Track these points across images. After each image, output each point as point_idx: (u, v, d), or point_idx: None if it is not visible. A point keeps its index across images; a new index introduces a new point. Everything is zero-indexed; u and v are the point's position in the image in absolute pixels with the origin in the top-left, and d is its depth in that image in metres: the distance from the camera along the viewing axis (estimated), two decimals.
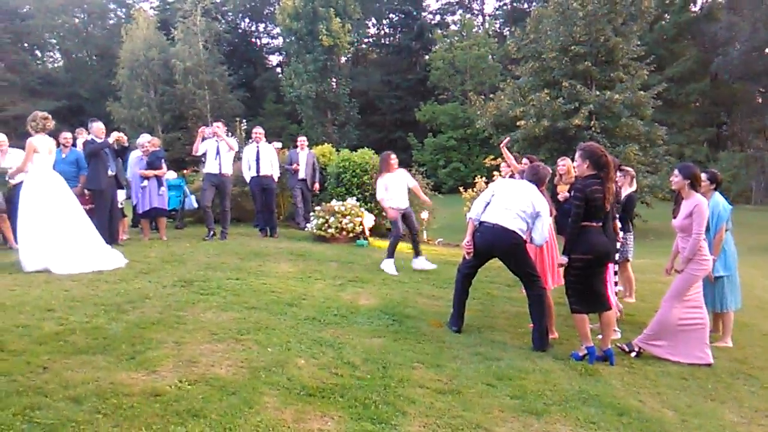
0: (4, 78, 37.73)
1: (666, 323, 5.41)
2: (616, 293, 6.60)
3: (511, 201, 5.51)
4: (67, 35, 44.20)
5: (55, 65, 45.79)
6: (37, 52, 45.01)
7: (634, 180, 7.60)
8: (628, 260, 7.59)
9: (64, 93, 40.68)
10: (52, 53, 46.56)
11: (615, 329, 5.67)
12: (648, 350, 5.44)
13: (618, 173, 6.92)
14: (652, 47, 25.39)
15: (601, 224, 5.13)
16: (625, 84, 20.80)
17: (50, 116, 7.78)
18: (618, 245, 6.51)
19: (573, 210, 5.02)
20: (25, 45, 42.60)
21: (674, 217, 5.56)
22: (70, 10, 44.77)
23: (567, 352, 5.32)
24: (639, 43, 22.23)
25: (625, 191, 7.29)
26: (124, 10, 45.81)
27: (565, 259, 5.14)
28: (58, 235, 7.13)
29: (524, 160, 10.11)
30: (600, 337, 5.32)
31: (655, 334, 5.43)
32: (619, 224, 6.43)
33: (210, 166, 10.35)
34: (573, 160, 5.86)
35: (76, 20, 45.60)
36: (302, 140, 12.82)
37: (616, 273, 6.44)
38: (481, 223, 5.58)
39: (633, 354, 5.40)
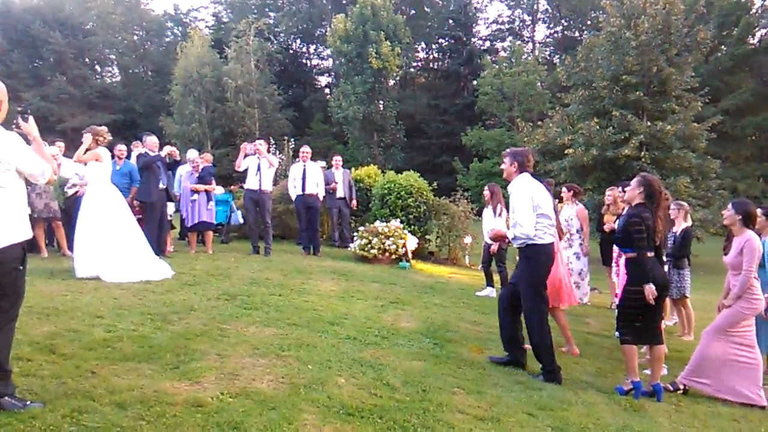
0: (65, 91, 39.15)
1: (706, 358, 5.25)
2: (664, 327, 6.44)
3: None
4: (126, 51, 45.70)
5: (113, 80, 47.34)
6: (97, 67, 46.61)
7: (689, 215, 7.43)
8: (686, 296, 7.40)
9: (120, 107, 41.97)
10: (110, 68, 48.20)
11: (662, 365, 5.52)
12: (693, 387, 5.27)
13: (672, 206, 6.81)
14: (707, 79, 24.92)
15: (654, 255, 5.03)
16: (678, 115, 20.40)
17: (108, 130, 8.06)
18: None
19: (635, 237, 4.92)
20: (86, 60, 44.15)
21: (725, 254, 5.43)
22: (130, 27, 46.33)
23: (611, 385, 5.19)
24: (693, 74, 21.80)
25: (680, 226, 7.14)
26: (180, 28, 47.20)
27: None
28: (111, 244, 7.34)
29: (563, 189, 10.07)
30: (647, 371, 5.18)
31: (697, 370, 5.28)
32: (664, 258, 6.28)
33: (250, 182, 10.54)
34: (623, 190, 5.79)
35: (135, 37, 47.18)
36: (337, 159, 13.03)
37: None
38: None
39: (679, 392, 5.24)
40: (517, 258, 5.47)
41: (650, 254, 4.97)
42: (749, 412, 4.97)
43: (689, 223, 7.44)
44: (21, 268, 3.52)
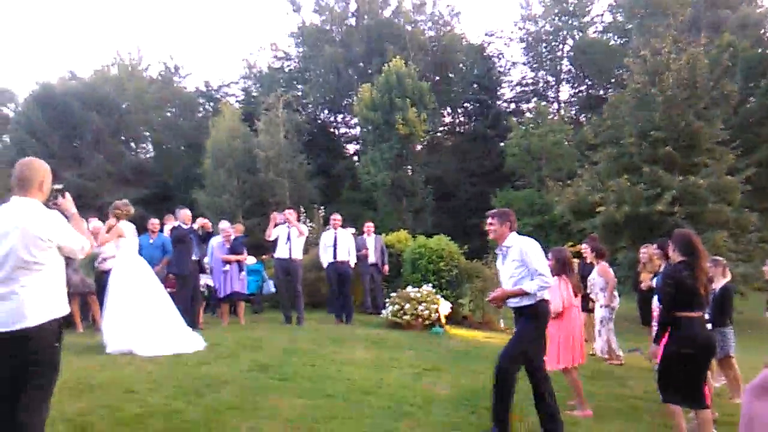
0: (102, 168, 40.33)
1: (753, 418, 4.96)
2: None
3: None
4: (159, 128, 47.11)
5: (147, 156, 48.70)
6: (132, 144, 48.08)
7: (727, 270, 7.22)
8: (731, 356, 7.11)
9: (153, 182, 43.02)
10: (144, 145, 49.63)
11: (713, 430, 5.25)
12: None
13: (708, 263, 6.63)
14: (737, 131, 24.67)
15: (701, 314, 4.87)
16: (710, 169, 20.17)
17: (130, 203, 8.22)
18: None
19: (663, 296, 4.82)
20: (122, 137, 45.64)
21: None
22: (164, 104, 47.94)
23: None
24: (723, 126, 21.67)
25: (719, 283, 6.94)
26: (212, 103, 48.66)
27: (655, 347, 4.91)
28: (143, 317, 7.37)
29: (583, 245, 9.98)
30: None
31: None
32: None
33: (280, 251, 10.59)
34: (659, 247, 5.67)
35: (168, 114, 48.72)
36: (369, 226, 13.07)
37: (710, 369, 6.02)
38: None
39: None
40: (518, 317, 5.26)
41: (694, 314, 4.80)
42: None
43: (728, 278, 7.22)
44: (57, 344, 3.54)
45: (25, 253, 3.41)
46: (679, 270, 4.85)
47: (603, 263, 9.18)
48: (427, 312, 10.59)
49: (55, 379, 3.58)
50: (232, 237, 10.72)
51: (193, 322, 8.96)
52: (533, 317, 5.09)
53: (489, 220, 5.38)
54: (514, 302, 5.13)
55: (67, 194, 3.90)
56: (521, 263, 5.08)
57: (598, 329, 9.05)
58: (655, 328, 7.71)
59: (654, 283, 7.33)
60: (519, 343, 5.10)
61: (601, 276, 8.96)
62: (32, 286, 3.46)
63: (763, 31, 34.73)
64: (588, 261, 9.65)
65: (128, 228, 7.92)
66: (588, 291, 9.01)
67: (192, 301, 9.50)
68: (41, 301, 3.47)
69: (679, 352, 4.76)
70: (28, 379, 3.44)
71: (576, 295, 6.28)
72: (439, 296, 11.01)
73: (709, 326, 5.93)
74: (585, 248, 9.84)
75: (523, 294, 5.03)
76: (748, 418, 5.00)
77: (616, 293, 9.14)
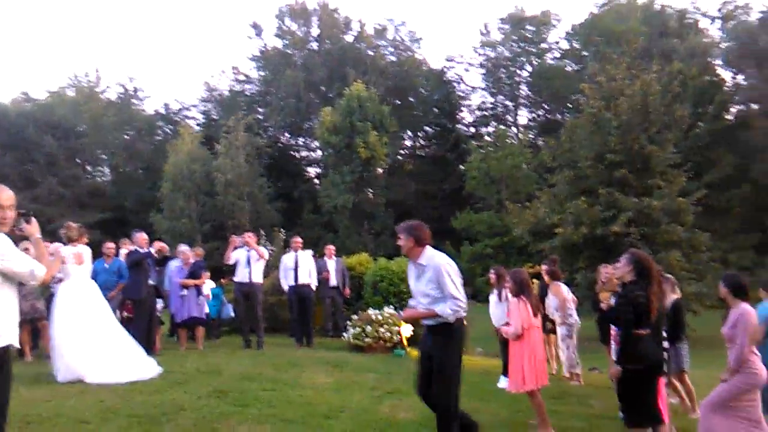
0: (56, 192, 39.37)
1: None
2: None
3: None
4: (117, 151, 46.36)
5: (103, 179, 47.78)
6: (88, 167, 47.14)
7: (676, 287, 7.38)
8: (684, 371, 7.23)
9: (110, 205, 42.17)
10: (101, 168, 48.71)
11: None
12: None
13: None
14: (688, 154, 25.44)
15: (650, 332, 4.95)
16: (663, 191, 20.70)
17: (83, 227, 8.02)
18: (666, 356, 6.25)
19: (621, 317, 4.89)
20: (77, 161, 44.71)
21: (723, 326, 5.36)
22: (122, 127, 47.19)
23: None
24: (674, 150, 22.31)
25: (669, 299, 7.07)
26: (171, 126, 48.11)
27: (617, 369, 4.95)
28: (93, 343, 7.14)
29: (543, 267, 10.12)
30: None
31: None
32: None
33: (240, 275, 10.47)
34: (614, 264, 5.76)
35: (126, 137, 47.95)
36: (330, 248, 13.00)
37: (666, 384, 6.11)
38: None
39: None
40: (429, 336, 4.96)
41: (644, 332, 4.89)
42: None
43: (678, 295, 7.37)
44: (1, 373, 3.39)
45: None
46: (632, 290, 4.94)
47: (556, 283, 9.27)
48: (388, 334, 10.55)
49: (4, 412, 3.44)
50: (191, 261, 10.54)
51: (149, 348, 8.74)
52: (448, 337, 4.82)
53: (399, 234, 5.03)
54: (429, 321, 4.89)
55: (33, 219, 3.81)
56: (436, 284, 4.79)
57: (561, 348, 9.10)
58: (613, 347, 7.82)
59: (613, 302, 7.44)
60: (449, 378, 4.76)
61: (554, 296, 9.06)
62: None
63: (709, 59, 36.05)
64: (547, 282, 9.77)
65: (85, 251, 7.72)
66: (546, 312, 9.09)
67: (149, 326, 9.27)
68: None
69: (632, 369, 4.84)
70: None
71: (536, 316, 6.32)
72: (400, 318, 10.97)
73: (665, 343, 6.03)
74: (545, 269, 9.96)
75: (436, 316, 4.78)
76: None
77: (573, 312, 9.22)
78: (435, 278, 4.78)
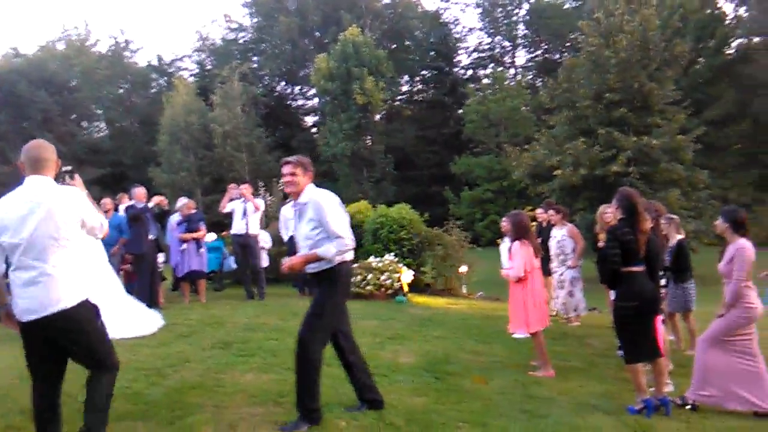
0: (55, 149, 39.20)
1: (708, 368, 5.14)
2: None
3: None
4: (112, 105, 45.92)
5: (100, 134, 47.47)
6: (84, 123, 46.76)
7: (680, 227, 7.39)
8: (690, 310, 7.32)
9: (108, 161, 41.99)
10: (97, 123, 48.35)
11: (667, 382, 5.41)
12: (701, 402, 5.15)
13: (662, 221, 6.77)
14: (688, 91, 25.19)
15: (644, 269, 5.00)
16: (663, 129, 20.57)
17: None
18: (663, 293, 6.31)
19: (608, 253, 4.96)
20: (73, 116, 44.31)
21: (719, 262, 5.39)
22: (115, 81, 46.63)
23: (618, 406, 5.07)
24: (674, 87, 22.08)
25: (674, 239, 7.10)
26: (165, 78, 47.53)
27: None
28: (95, 301, 7.20)
29: (538, 210, 10.16)
30: (652, 389, 5.09)
31: (701, 382, 5.16)
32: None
33: (237, 227, 10.51)
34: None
35: (120, 90, 47.45)
36: None
37: (663, 322, 6.18)
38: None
39: (688, 407, 5.13)
40: (316, 285, 4.56)
41: (636, 269, 4.94)
42: (759, 424, 4.85)
43: (682, 235, 7.39)
44: (98, 321, 3.56)
45: (53, 229, 3.31)
46: (619, 228, 4.99)
47: (572, 225, 9.34)
48: (389, 281, 10.64)
49: (113, 353, 3.64)
50: (187, 214, 10.52)
51: (153, 302, 8.84)
52: (333, 282, 4.38)
53: (289, 169, 4.36)
54: (312, 267, 4.36)
55: (77, 175, 3.83)
56: (318, 223, 4.30)
57: (568, 290, 9.10)
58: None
59: None
60: (320, 316, 4.35)
61: (570, 237, 9.09)
62: (62, 265, 3.37)
63: None
64: (544, 224, 9.82)
65: None
66: (552, 253, 9.17)
67: (151, 279, 9.34)
68: (74, 280, 3.42)
69: (628, 305, 4.92)
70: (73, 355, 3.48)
71: (536, 256, 6.37)
72: (401, 265, 11.06)
73: (663, 280, 6.08)
74: (540, 212, 10.01)
75: (319, 259, 4.29)
76: (702, 368, 5.18)
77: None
78: (316, 217, 4.28)
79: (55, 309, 3.31)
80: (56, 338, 3.39)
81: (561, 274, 9.16)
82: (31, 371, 3.49)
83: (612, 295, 5.57)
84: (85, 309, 3.46)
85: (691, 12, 30.44)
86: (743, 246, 5.10)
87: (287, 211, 11.39)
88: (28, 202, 3.32)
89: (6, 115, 38.88)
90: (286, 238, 11.43)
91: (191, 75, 47.11)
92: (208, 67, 46.89)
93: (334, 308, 4.41)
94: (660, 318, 5.51)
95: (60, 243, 3.34)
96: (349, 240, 4.31)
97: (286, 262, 4.41)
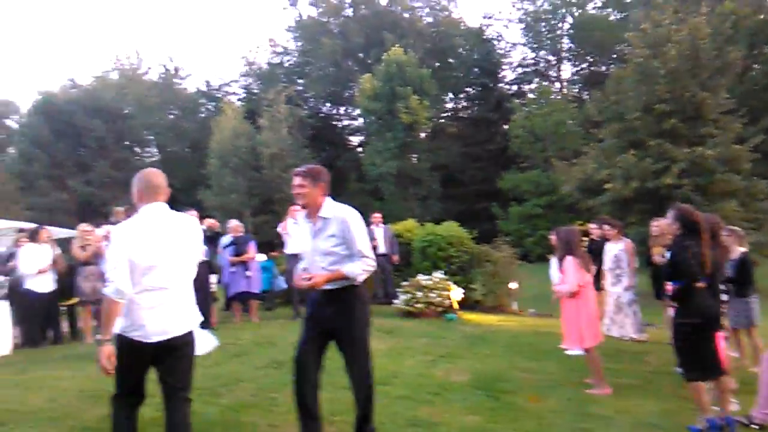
0: (108, 175, 40.45)
1: None
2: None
3: None
4: (162, 131, 47.19)
5: (152, 159, 48.78)
6: (137, 149, 48.14)
7: (743, 239, 7.15)
8: (754, 325, 7.06)
9: None
10: (149, 149, 49.69)
11: (732, 400, 5.21)
12: None
13: (723, 233, 6.58)
14: (743, 99, 24.43)
15: (706, 285, 4.85)
16: (717, 139, 20.00)
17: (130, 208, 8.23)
18: (724, 309, 6.11)
19: (683, 267, 4.80)
20: (126, 143, 45.71)
21: None
22: (166, 107, 47.97)
23: (678, 425, 4.91)
24: (728, 96, 21.47)
25: (736, 252, 6.87)
26: (213, 103, 48.61)
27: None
28: None
29: (591, 225, 10.01)
30: (717, 408, 4.91)
31: (766, 401, 4.96)
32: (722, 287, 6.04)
33: (292, 247, 10.59)
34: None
35: (171, 116, 48.76)
36: (377, 216, 13.01)
37: (726, 338, 5.98)
38: None
39: (754, 426, 4.92)
40: (328, 304, 4.26)
41: (700, 284, 4.80)
42: None
43: (745, 248, 7.14)
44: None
45: (184, 253, 3.60)
46: (683, 242, 4.86)
47: (629, 240, 9.19)
48: (439, 299, 10.58)
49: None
50: (230, 237, 10.71)
51: (206, 322, 8.97)
52: (354, 302, 4.22)
53: (298, 180, 4.24)
54: (331, 285, 4.18)
55: None
56: (342, 240, 4.17)
57: (626, 313, 9.00)
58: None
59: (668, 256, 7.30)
60: (366, 349, 4.30)
61: (627, 252, 8.94)
62: (186, 289, 3.65)
63: None
64: (597, 239, 9.68)
65: None
66: (607, 268, 9.03)
67: (204, 301, 9.49)
68: (192, 303, 3.70)
69: (688, 322, 4.77)
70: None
71: (589, 272, 6.26)
72: (450, 282, 10.98)
73: (724, 296, 5.89)
74: (594, 227, 9.87)
75: (344, 278, 4.15)
76: (764, 384, 4.98)
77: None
78: (341, 233, 4.16)
79: (182, 332, 3.55)
80: (165, 361, 3.60)
81: (618, 296, 8.98)
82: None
83: (671, 310, 5.42)
84: (192, 335, 3.69)
85: (743, 18, 29.62)
86: None
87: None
88: (173, 226, 3.59)
89: (64, 144, 40.36)
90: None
91: (238, 99, 48.04)
92: (255, 90, 47.76)
93: (367, 332, 4.33)
94: (722, 334, 5.33)
95: (187, 267, 3.57)
96: (374, 260, 4.24)
97: (306, 278, 4.16)
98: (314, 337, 4.31)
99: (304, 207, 4.33)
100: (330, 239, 4.15)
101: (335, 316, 4.18)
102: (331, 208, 4.23)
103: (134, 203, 3.66)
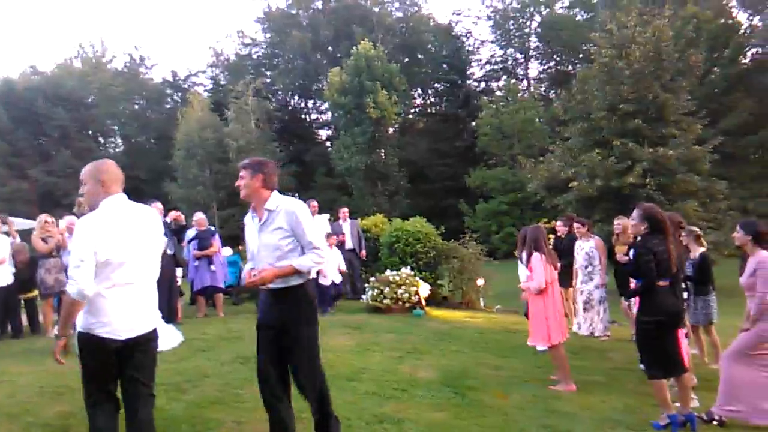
0: (70, 165, 39.62)
1: (733, 383, 5.07)
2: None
3: None
4: (128, 121, 46.45)
5: (116, 150, 47.94)
6: (100, 139, 47.28)
7: (702, 239, 7.32)
8: (712, 323, 7.24)
9: (125, 176, 42.16)
10: (113, 139, 48.87)
11: (693, 396, 5.34)
12: (729, 417, 5.07)
13: (683, 233, 6.71)
14: (703, 101, 25.00)
15: (668, 284, 4.95)
16: (679, 139, 20.42)
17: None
18: (685, 306, 6.26)
19: (644, 267, 4.87)
20: (89, 132, 44.84)
21: (741, 275, 5.32)
22: (131, 97, 47.19)
23: (641, 421, 5.01)
24: (689, 98, 21.94)
25: (696, 252, 7.03)
26: (180, 94, 47.98)
27: None
28: None
29: (558, 223, 10.15)
30: (678, 405, 5.02)
31: (727, 397, 5.09)
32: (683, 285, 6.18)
33: None
34: (629, 218, 5.75)
35: (136, 106, 48.00)
36: (344, 211, 13.01)
37: (687, 335, 6.12)
38: None
39: (714, 422, 5.05)
40: (275, 304, 4.04)
41: (663, 283, 4.89)
42: None
43: (704, 247, 7.31)
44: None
45: (150, 247, 3.53)
46: (651, 241, 4.93)
47: (598, 238, 9.32)
48: (406, 295, 10.59)
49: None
50: (194, 231, 10.60)
51: (171, 317, 8.85)
52: (298, 301, 4.02)
53: (240, 173, 4.08)
54: (277, 283, 3.94)
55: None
56: (289, 233, 3.96)
57: (597, 309, 9.15)
58: (633, 300, 7.83)
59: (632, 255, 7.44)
60: (314, 351, 4.09)
61: (598, 250, 9.07)
62: (152, 284, 3.57)
63: (725, 1, 35.05)
64: (563, 237, 9.82)
65: None
66: (578, 266, 9.15)
67: (169, 295, 9.36)
68: (155, 299, 3.61)
69: (651, 320, 4.86)
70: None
71: (555, 269, 6.34)
72: (417, 278, 11.01)
73: (685, 294, 6.02)
74: (560, 225, 10.00)
75: (295, 272, 3.94)
76: (728, 383, 5.10)
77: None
78: (289, 226, 3.95)
79: (149, 328, 3.45)
80: (132, 358, 3.43)
81: (590, 293, 9.11)
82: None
83: (635, 309, 5.52)
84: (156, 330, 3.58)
85: (705, 22, 30.29)
86: (764, 259, 5.04)
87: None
88: (141, 218, 3.50)
89: (24, 131, 39.43)
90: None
91: (205, 90, 47.54)
92: (222, 82, 47.30)
93: (316, 332, 4.09)
94: (683, 332, 5.44)
95: (152, 262, 3.48)
96: (324, 251, 4.08)
97: (253, 274, 3.93)
98: (266, 346, 4.05)
99: (247, 200, 4.12)
100: (276, 232, 3.95)
101: (281, 315, 3.98)
102: (276, 200, 4.03)
103: (90, 194, 3.49)
